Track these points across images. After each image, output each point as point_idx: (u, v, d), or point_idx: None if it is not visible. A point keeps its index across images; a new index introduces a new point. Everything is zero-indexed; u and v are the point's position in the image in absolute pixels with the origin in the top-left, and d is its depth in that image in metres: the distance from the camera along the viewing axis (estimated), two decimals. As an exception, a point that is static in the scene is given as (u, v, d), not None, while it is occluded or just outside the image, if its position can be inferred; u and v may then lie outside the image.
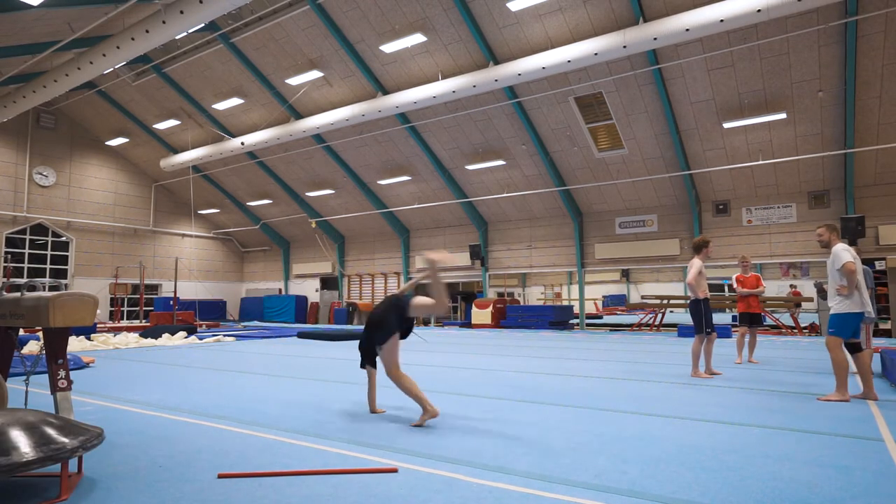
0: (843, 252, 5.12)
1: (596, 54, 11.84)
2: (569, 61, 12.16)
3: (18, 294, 3.68)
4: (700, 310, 6.66)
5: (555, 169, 16.77)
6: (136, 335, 13.03)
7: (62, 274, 21.16)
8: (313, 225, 22.77)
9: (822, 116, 13.12)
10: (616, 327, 18.89)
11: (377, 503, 2.57)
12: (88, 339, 11.97)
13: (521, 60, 12.83)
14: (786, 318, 16.29)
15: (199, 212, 25.50)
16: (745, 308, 8.22)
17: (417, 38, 13.70)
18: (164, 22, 11.44)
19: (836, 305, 5.17)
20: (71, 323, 3.55)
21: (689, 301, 6.99)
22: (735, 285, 8.33)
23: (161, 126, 20.34)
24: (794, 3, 9.79)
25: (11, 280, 18.38)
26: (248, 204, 23.97)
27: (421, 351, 10.57)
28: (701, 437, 3.74)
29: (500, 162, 17.04)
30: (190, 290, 24.35)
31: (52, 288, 19.70)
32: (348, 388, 5.99)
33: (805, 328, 14.76)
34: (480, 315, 18.80)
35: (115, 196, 22.87)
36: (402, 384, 4.28)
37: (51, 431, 2.70)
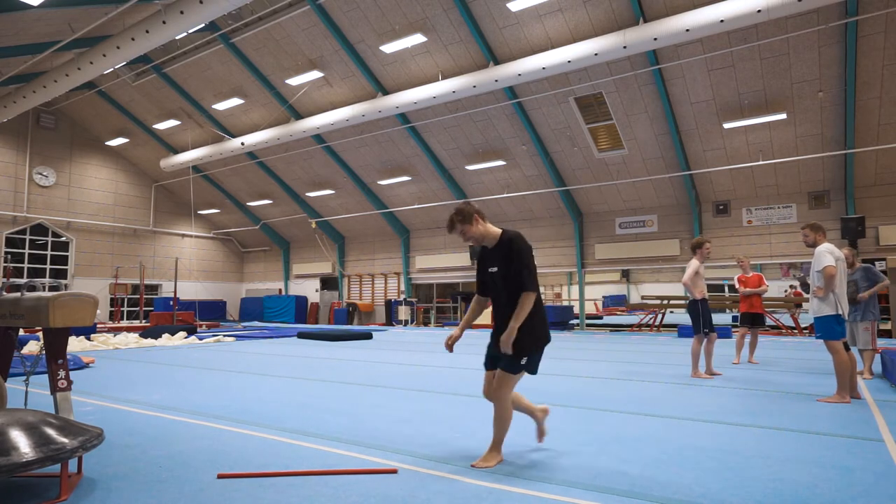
0: (826, 254, 5.11)
1: (596, 54, 11.84)
2: (569, 61, 12.16)
3: (18, 294, 3.68)
4: (698, 310, 6.65)
5: (555, 169, 16.77)
6: (136, 335, 13.03)
7: (62, 274, 21.16)
8: (313, 225, 22.77)
9: (822, 117, 13.12)
10: (616, 328, 18.88)
11: (377, 503, 2.57)
12: (88, 339, 11.97)
13: (521, 61, 12.84)
14: (786, 319, 16.29)
15: (199, 212, 25.50)
16: (748, 308, 8.18)
17: (417, 39, 13.70)
18: (164, 22, 11.45)
19: (814, 308, 5.19)
20: (71, 323, 3.55)
21: (688, 302, 6.99)
22: (737, 286, 8.30)
23: (161, 126, 20.34)
24: (795, 3, 9.80)
25: (11, 280, 18.38)
26: (248, 204, 23.97)
27: (421, 352, 10.58)
28: (701, 438, 3.74)
29: (501, 162, 17.04)
30: (190, 290, 24.36)
31: (52, 288, 19.69)
32: (348, 388, 5.99)
33: (805, 328, 14.75)
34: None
35: (115, 196, 22.87)
36: None
37: (51, 431, 2.70)
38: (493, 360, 3.24)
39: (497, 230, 3.24)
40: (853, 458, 3.28)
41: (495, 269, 3.16)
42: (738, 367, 7.58)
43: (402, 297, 22.12)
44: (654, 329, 17.10)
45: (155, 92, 19.00)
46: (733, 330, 12.51)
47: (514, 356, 3.07)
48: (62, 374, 3.58)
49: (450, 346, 3.33)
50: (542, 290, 30.99)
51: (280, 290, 26.24)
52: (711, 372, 6.79)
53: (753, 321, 8.20)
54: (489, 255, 3.24)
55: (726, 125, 13.67)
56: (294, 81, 16.26)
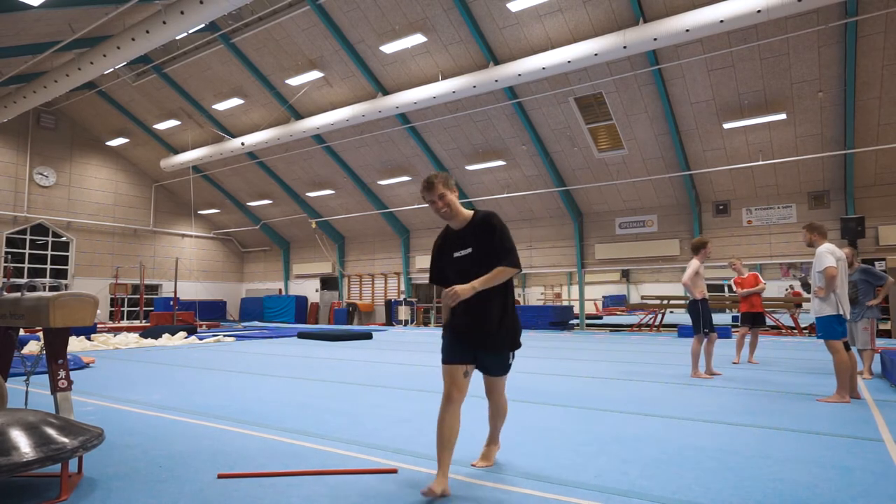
0: (827, 255, 5.12)
1: (596, 55, 11.84)
2: (569, 62, 12.16)
3: (18, 294, 3.68)
4: (699, 310, 6.66)
5: (555, 169, 16.77)
6: (136, 335, 13.03)
7: (62, 274, 21.16)
8: (313, 225, 22.77)
9: (822, 117, 13.12)
10: (616, 328, 18.89)
11: (377, 503, 2.57)
12: (88, 339, 11.97)
13: (521, 61, 12.84)
14: (786, 319, 16.29)
15: (200, 212, 25.51)
16: (749, 308, 8.22)
17: (417, 39, 13.71)
18: (164, 22, 11.45)
19: (815, 309, 5.20)
20: (71, 323, 3.55)
21: (688, 302, 7.00)
22: (735, 288, 8.36)
23: (161, 126, 20.34)
24: (794, 3, 9.80)
25: (12, 280, 18.38)
26: (248, 204, 23.97)
27: (421, 352, 10.58)
28: (701, 438, 3.74)
29: (501, 162, 17.04)
30: (190, 290, 24.36)
31: (52, 288, 19.69)
32: (348, 388, 5.99)
33: (805, 328, 14.76)
34: (480, 315, 18.73)
35: (115, 196, 22.88)
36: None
37: (51, 431, 2.70)
38: (465, 353, 2.84)
39: (467, 211, 2.93)
40: (853, 458, 3.28)
41: (468, 250, 2.81)
42: (738, 367, 7.59)
43: (402, 297, 22.12)
44: (654, 329, 17.09)
45: (155, 92, 19.01)
46: (733, 330, 12.51)
47: (507, 353, 2.88)
48: (62, 374, 3.59)
49: None
50: (541, 289, 31.01)
51: (280, 290, 26.24)
52: (711, 372, 6.79)
53: (754, 321, 8.24)
54: (457, 238, 2.88)
55: (726, 125, 13.67)
56: (294, 81, 16.26)
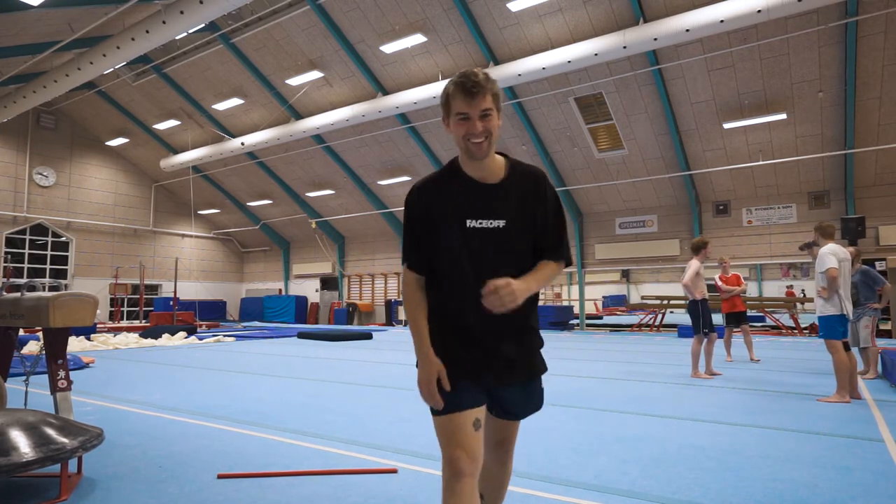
0: (829, 256, 5.14)
1: (596, 55, 11.84)
2: (569, 62, 12.16)
3: (18, 294, 3.69)
4: (698, 311, 6.67)
5: (555, 169, 16.77)
6: (136, 335, 13.03)
7: (62, 274, 21.16)
8: (313, 225, 22.77)
9: (822, 117, 13.12)
10: (616, 328, 18.88)
11: (377, 503, 2.57)
12: (88, 339, 11.97)
13: (521, 61, 12.84)
14: (785, 319, 16.29)
15: (199, 212, 25.50)
16: (731, 308, 8.44)
17: (417, 39, 13.71)
18: (164, 22, 11.45)
19: (819, 308, 5.22)
20: (71, 323, 3.56)
21: (688, 302, 7.01)
22: (718, 284, 8.51)
23: (161, 126, 20.34)
24: (795, 3, 9.80)
25: (11, 280, 18.38)
26: (248, 204, 23.97)
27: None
28: (701, 438, 3.74)
29: (501, 162, 17.01)
30: (190, 290, 24.35)
31: (51, 288, 19.68)
32: (348, 388, 5.99)
33: (805, 328, 14.76)
34: (480, 315, 18.73)
35: (115, 196, 22.87)
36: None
37: (51, 432, 2.70)
38: (478, 391, 1.65)
39: (499, 157, 1.75)
40: (853, 458, 3.29)
41: (499, 223, 1.65)
42: (738, 367, 7.59)
43: (402, 297, 22.08)
44: (654, 329, 17.09)
45: (155, 92, 19.00)
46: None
47: (539, 377, 1.76)
48: (62, 374, 3.59)
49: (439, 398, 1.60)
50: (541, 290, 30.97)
51: (280, 290, 26.24)
52: (711, 372, 6.80)
53: (738, 319, 8.44)
54: (477, 195, 1.67)
55: (726, 125, 13.67)
56: (294, 81, 16.25)
